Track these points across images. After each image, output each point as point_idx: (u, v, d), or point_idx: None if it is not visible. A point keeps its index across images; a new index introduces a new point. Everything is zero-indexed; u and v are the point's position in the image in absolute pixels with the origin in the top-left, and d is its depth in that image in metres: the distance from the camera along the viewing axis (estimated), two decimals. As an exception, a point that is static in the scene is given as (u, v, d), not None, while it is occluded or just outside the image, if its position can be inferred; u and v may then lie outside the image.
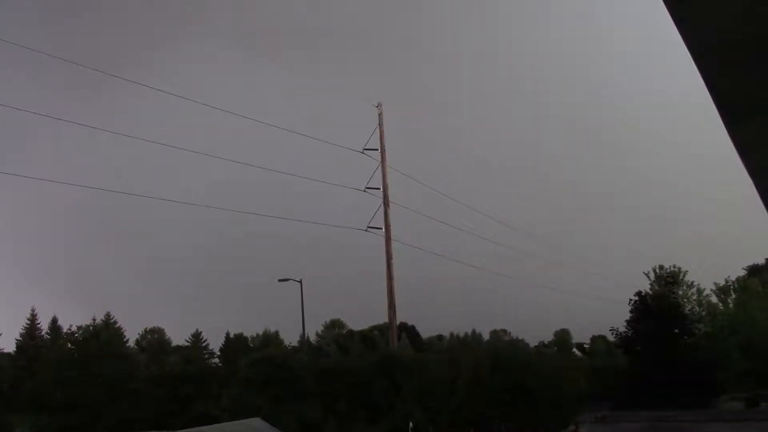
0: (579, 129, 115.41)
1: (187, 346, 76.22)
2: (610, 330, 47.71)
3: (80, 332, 46.91)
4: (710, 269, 71.31)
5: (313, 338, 78.35)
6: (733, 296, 59.32)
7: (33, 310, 65.12)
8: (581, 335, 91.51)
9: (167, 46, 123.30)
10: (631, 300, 45.17)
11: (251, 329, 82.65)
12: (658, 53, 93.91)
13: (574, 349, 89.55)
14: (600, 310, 66.88)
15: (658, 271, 53.39)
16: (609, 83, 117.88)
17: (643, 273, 53.49)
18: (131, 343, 67.82)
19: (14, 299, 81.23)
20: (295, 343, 71.41)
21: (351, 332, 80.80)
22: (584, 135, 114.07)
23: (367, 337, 74.76)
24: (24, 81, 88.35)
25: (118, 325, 63.61)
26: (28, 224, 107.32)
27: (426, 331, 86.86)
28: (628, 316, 45.06)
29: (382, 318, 51.51)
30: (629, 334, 44.95)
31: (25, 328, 64.77)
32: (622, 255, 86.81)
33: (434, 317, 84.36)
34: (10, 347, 60.72)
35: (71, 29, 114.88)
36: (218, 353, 76.31)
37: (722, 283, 60.33)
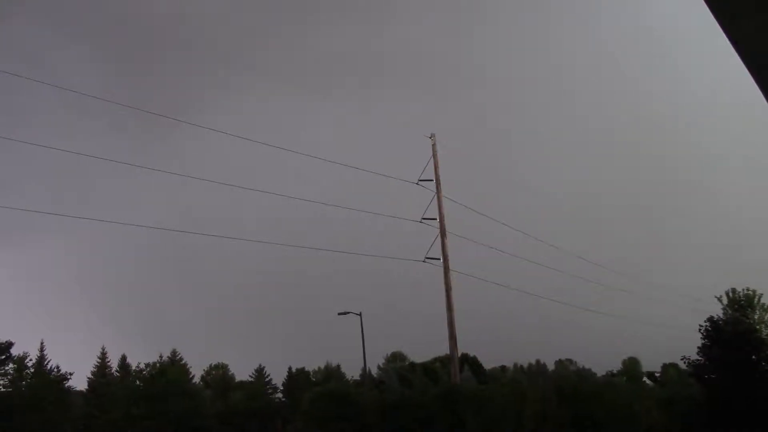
0: (643, 156, 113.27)
1: (251, 381, 76.87)
2: (682, 358, 45.78)
3: (147, 370, 48.07)
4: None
5: (374, 371, 77.97)
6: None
7: (103, 349, 66.93)
8: (651, 363, 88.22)
9: (222, 90, 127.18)
10: (701, 326, 43.33)
11: (313, 363, 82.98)
12: (722, 78, 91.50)
13: (645, 378, 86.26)
14: (670, 337, 64.44)
15: (731, 294, 51.22)
16: (668, 107, 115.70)
17: (715, 297, 51.46)
18: (197, 379, 68.91)
19: (86, 338, 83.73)
20: (356, 377, 71.34)
21: (413, 365, 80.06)
22: (648, 161, 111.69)
23: (429, 369, 73.92)
24: (94, 128, 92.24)
25: (183, 361, 64.80)
26: (97, 265, 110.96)
27: (489, 362, 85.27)
28: (699, 342, 43.21)
29: (444, 349, 50.83)
30: (702, 362, 43.04)
31: (96, 366, 66.53)
32: (690, 280, 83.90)
33: (497, 348, 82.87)
34: (82, 385, 62.45)
35: (134, 78, 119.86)
36: (281, 388, 76.64)
37: (800, 305, 57.36)
